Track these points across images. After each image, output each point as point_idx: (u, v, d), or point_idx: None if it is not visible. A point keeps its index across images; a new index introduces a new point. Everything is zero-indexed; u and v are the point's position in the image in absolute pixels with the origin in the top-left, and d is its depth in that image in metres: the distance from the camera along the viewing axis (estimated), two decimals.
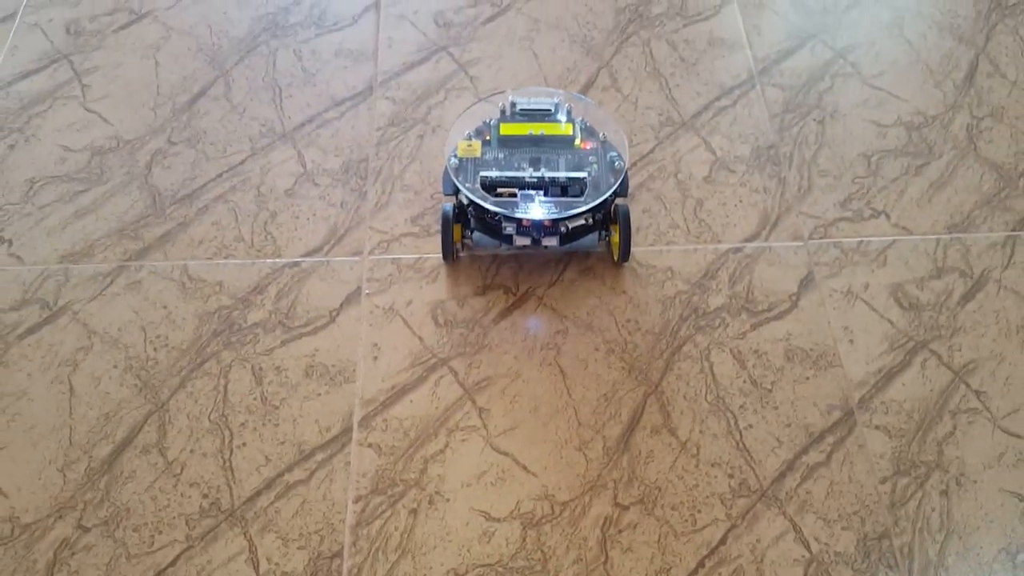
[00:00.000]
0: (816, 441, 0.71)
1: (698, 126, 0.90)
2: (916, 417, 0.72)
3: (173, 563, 0.65)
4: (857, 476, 0.69)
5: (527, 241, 0.76)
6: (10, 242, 0.81)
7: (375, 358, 0.75)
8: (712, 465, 0.69)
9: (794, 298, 0.78)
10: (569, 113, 0.79)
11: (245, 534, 0.67)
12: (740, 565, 0.65)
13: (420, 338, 0.76)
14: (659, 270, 0.80)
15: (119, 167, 0.87)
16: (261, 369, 0.75)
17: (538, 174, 0.75)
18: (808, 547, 0.66)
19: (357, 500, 0.68)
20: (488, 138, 0.78)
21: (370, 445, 0.71)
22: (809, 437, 0.71)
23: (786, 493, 0.68)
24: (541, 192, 0.74)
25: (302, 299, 0.79)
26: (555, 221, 0.74)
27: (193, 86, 0.93)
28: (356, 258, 0.81)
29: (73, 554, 0.65)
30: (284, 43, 0.96)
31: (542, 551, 0.66)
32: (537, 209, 0.73)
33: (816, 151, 0.88)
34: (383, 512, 0.68)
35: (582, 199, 0.73)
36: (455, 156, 0.76)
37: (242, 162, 0.87)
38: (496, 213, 0.74)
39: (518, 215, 0.73)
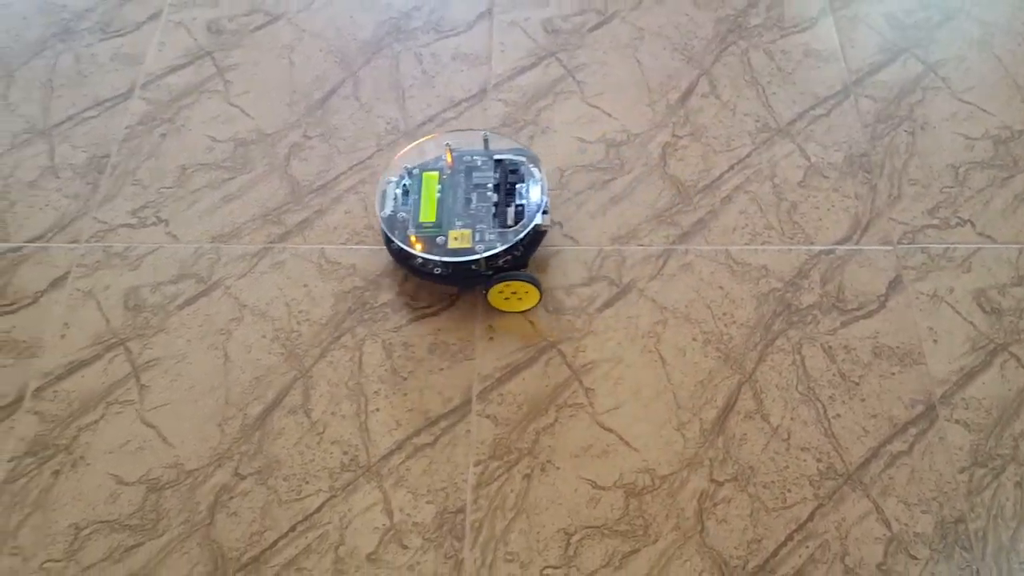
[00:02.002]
0: (900, 432, 0.77)
1: (793, 133, 0.95)
2: (994, 414, 0.77)
3: (319, 509, 0.74)
4: (937, 465, 0.75)
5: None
6: (167, 222, 0.91)
7: (491, 339, 0.83)
8: (802, 449, 0.76)
9: (882, 299, 0.84)
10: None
11: (380, 487, 0.75)
12: (826, 540, 0.72)
13: (531, 322, 0.84)
14: (754, 268, 0.86)
15: (261, 157, 0.96)
16: (391, 344, 0.83)
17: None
18: (889, 527, 0.72)
19: (477, 464, 0.76)
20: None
21: (488, 416, 0.79)
22: (893, 428, 0.77)
23: (870, 477, 0.74)
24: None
25: (426, 284, 0.87)
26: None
27: (324, 85, 1.02)
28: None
29: (231, 498, 0.75)
30: (406, 47, 1.05)
31: (643, 518, 0.73)
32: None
33: (906, 160, 0.93)
34: (500, 475, 0.76)
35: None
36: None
37: (370, 157, 0.96)
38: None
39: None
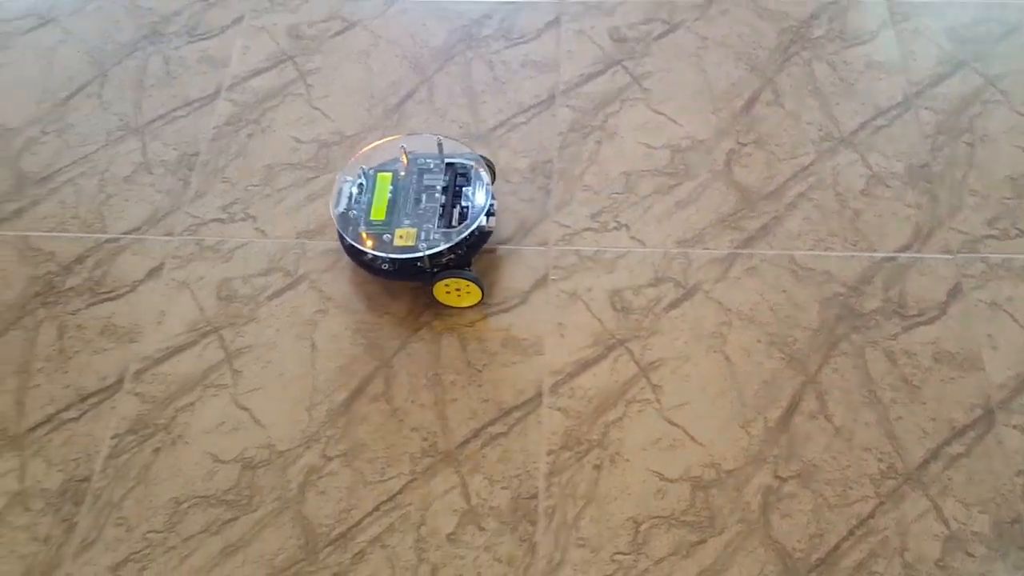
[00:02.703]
0: (958, 435, 0.79)
1: (856, 142, 0.98)
2: None
3: (401, 491, 0.79)
4: (994, 467, 0.78)
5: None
6: (255, 218, 0.97)
7: (561, 335, 0.87)
8: (863, 449, 0.79)
9: (943, 306, 0.87)
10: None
11: (458, 472, 0.80)
12: (886, 536, 0.75)
13: (600, 320, 0.88)
14: (818, 273, 0.89)
15: (341, 160, 1.01)
16: (466, 339, 0.87)
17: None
18: (947, 525, 0.75)
19: (549, 453, 0.81)
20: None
21: (558, 409, 0.83)
22: (952, 431, 0.80)
23: (929, 478, 0.77)
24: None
25: (499, 281, 0.91)
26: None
27: (400, 89, 1.06)
28: (543, 248, 0.93)
29: (320, 478, 0.80)
30: (478, 53, 1.09)
31: (709, 510, 0.77)
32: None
33: (966, 172, 0.96)
34: (571, 465, 0.80)
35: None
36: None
37: None
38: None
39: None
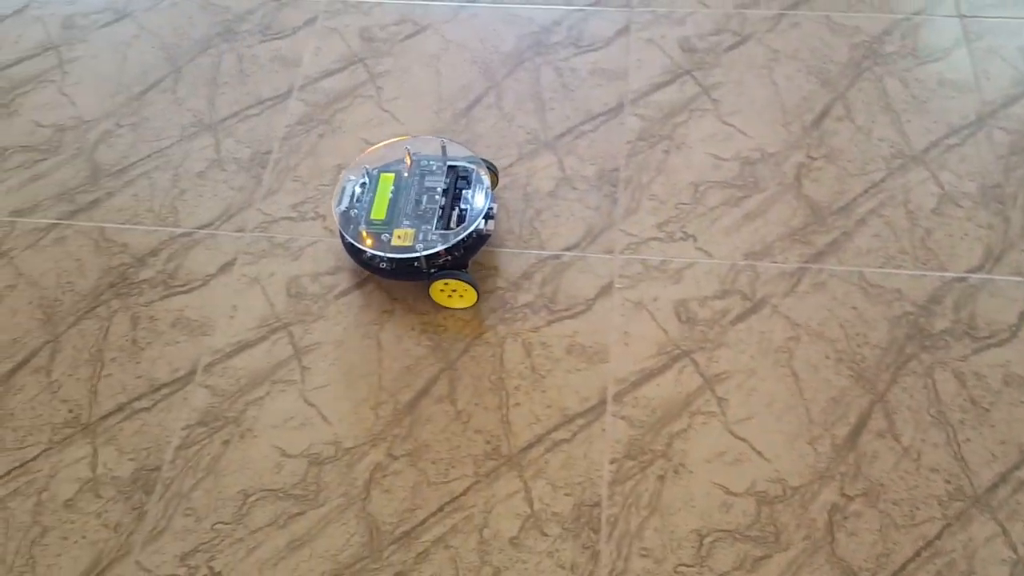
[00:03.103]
0: None
1: (927, 160, 0.97)
2: None
3: (464, 493, 0.80)
4: None
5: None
6: (323, 218, 0.98)
7: (626, 344, 0.87)
8: (931, 470, 0.78)
9: (1014, 328, 0.85)
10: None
11: (521, 477, 0.80)
12: (952, 559, 0.74)
13: (665, 331, 0.88)
14: (887, 291, 0.88)
15: None
16: (530, 344, 0.88)
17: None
18: (1016, 551, 0.74)
19: (612, 462, 0.81)
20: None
21: (622, 417, 0.83)
22: (1022, 455, 0.78)
23: (998, 501, 0.76)
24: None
25: (563, 287, 0.91)
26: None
27: (469, 94, 1.07)
28: (608, 256, 0.93)
29: (385, 476, 0.81)
30: (547, 60, 1.10)
31: (775, 526, 0.77)
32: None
33: None
34: (634, 475, 0.80)
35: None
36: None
37: (510, 165, 1.01)
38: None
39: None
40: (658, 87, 1.06)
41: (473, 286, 0.87)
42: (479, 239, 0.89)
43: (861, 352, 0.85)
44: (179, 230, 0.97)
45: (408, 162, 0.91)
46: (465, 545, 0.77)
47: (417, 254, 0.85)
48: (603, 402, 0.84)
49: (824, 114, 1.02)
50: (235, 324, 0.90)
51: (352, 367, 0.87)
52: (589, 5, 1.15)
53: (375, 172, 0.91)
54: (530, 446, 0.82)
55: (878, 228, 0.93)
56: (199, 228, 0.97)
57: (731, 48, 1.09)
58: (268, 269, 0.94)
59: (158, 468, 0.82)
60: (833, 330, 0.87)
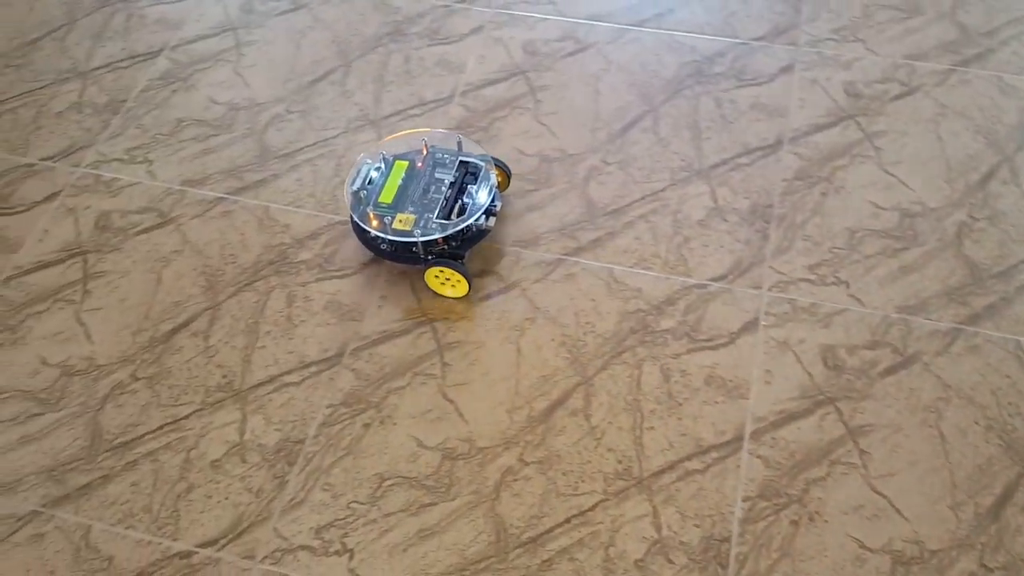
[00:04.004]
0: None
1: None
2: None
3: (592, 508, 0.80)
4: None
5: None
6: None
7: (768, 383, 0.87)
8: None
9: None
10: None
11: (650, 501, 0.80)
12: None
13: (810, 375, 0.87)
14: None
15: (562, 175, 1.04)
16: (669, 369, 0.88)
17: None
18: None
19: (745, 499, 0.80)
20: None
21: (759, 456, 0.82)
22: None
23: None
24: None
25: (707, 317, 0.91)
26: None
27: (626, 115, 1.08)
28: (756, 291, 0.93)
29: (515, 480, 0.82)
30: (707, 90, 1.10)
31: None
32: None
33: None
34: (767, 516, 0.79)
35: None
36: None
37: (663, 189, 1.02)
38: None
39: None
40: (819, 128, 1.05)
41: (467, 278, 0.91)
42: (478, 233, 0.93)
43: (1012, 422, 0.82)
44: (337, 218, 1.01)
45: (424, 152, 0.96)
46: (590, 561, 0.77)
47: (414, 239, 0.89)
48: (740, 438, 0.83)
49: (990, 175, 1.00)
50: (383, 314, 0.93)
51: (491, 369, 0.89)
52: (754, 39, 1.14)
53: (391, 159, 0.95)
54: (662, 471, 0.82)
55: None
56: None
57: (897, 98, 1.07)
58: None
59: (302, 441, 0.85)
60: (984, 396, 0.84)
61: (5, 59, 1.20)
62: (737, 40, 1.15)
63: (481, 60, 1.16)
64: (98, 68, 1.18)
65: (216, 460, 0.84)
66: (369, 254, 0.97)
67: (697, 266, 0.95)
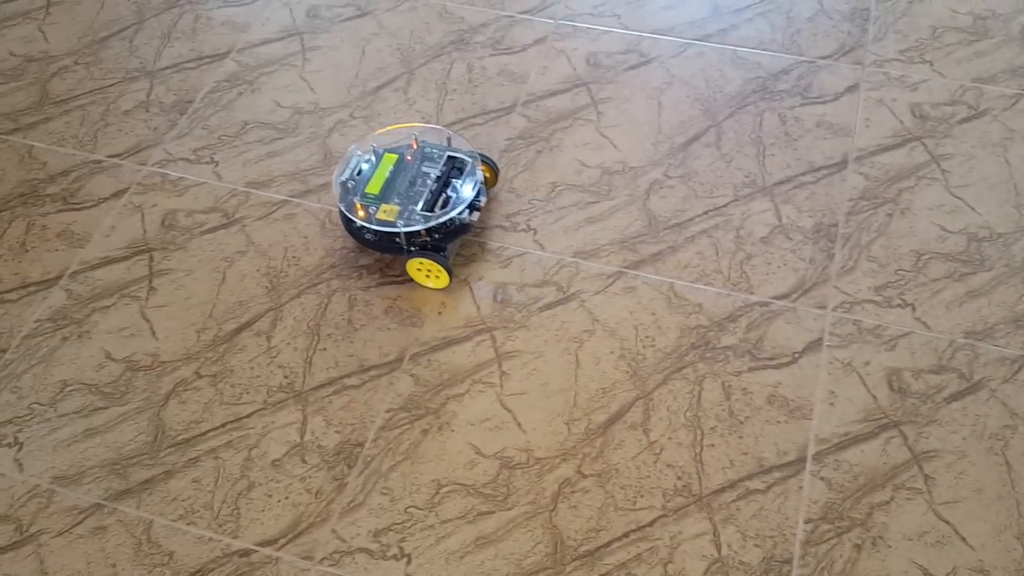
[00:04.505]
0: None
1: None
2: None
3: (650, 524, 0.80)
4: None
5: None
6: (535, 231, 1.01)
7: (831, 404, 0.86)
8: None
9: None
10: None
11: (710, 519, 0.80)
12: None
13: (874, 397, 0.86)
14: None
15: (623, 188, 1.03)
16: (730, 387, 0.87)
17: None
18: None
19: (808, 521, 0.79)
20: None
21: (822, 478, 0.81)
22: None
23: None
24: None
25: (769, 335, 0.91)
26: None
27: (689, 130, 1.08)
28: (820, 311, 0.92)
29: (573, 492, 0.82)
30: (771, 106, 1.09)
31: None
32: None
33: None
34: (829, 538, 0.78)
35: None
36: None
37: (725, 205, 1.01)
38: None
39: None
40: (885, 149, 1.04)
41: (447, 270, 0.92)
42: (461, 227, 0.94)
43: None
44: None
45: (414, 146, 0.98)
46: None
47: (397, 230, 0.91)
48: (802, 459, 0.83)
49: None
50: (443, 320, 0.93)
51: (549, 380, 0.89)
52: (820, 58, 1.14)
53: (381, 151, 0.97)
54: (722, 490, 0.81)
55: None
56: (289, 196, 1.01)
57: (965, 121, 1.06)
58: (478, 273, 0.97)
59: (361, 444, 0.85)
60: None
61: (75, 56, 1.23)
62: (803, 58, 1.14)
63: (543, 71, 1.16)
64: (166, 68, 1.20)
65: (277, 460, 0.85)
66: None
67: (760, 283, 0.94)
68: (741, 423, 0.85)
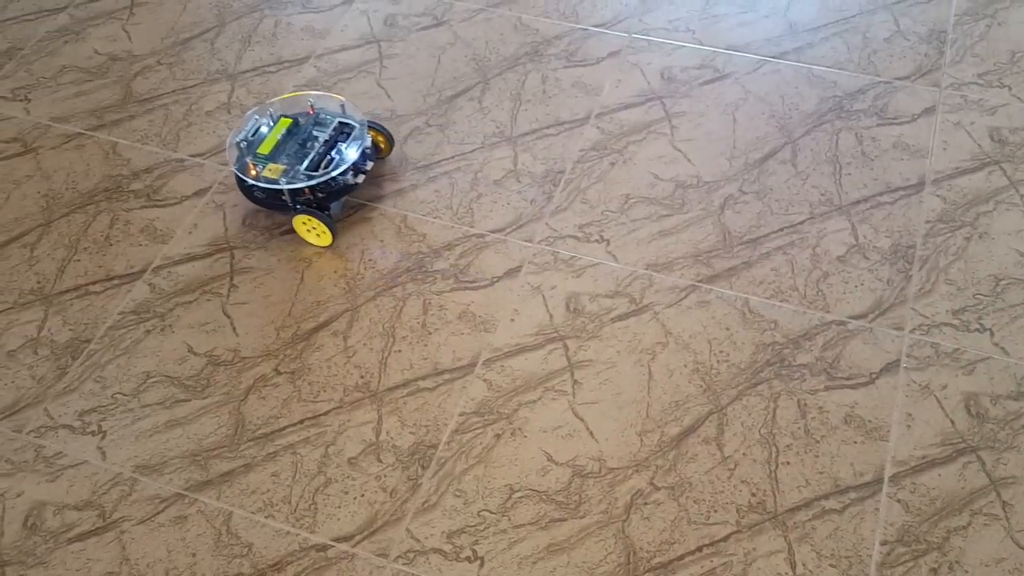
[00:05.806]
0: None
1: None
2: None
3: (724, 539, 0.80)
4: None
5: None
6: (608, 242, 1.01)
7: (908, 426, 0.85)
8: None
9: None
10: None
11: (785, 538, 0.79)
12: None
13: (952, 421, 0.85)
14: None
15: (697, 202, 1.04)
16: (806, 405, 0.87)
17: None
18: None
19: (884, 543, 0.78)
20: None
21: (899, 500, 0.81)
22: None
23: None
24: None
25: (846, 355, 0.90)
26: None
27: (764, 146, 1.08)
28: (897, 332, 0.91)
29: (645, 504, 0.82)
30: (847, 125, 1.09)
31: None
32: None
33: None
34: (905, 561, 0.77)
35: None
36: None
37: (801, 223, 1.01)
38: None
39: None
40: (963, 172, 1.03)
41: (330, 227, 0.98)
42: (344, 188, 1.00)
43: None
44: (473, 230, 1.03)
45: (311, 112, 1.04)
46: None
47: (280, 187, 0.96)
48: (879, 481, 0.82)
49: None
50: (515, 327, 0.94)
51: (622, 390, 0.89)
52: (898, 79, 1.13)
53: (277, 116, 1.03)
54: (797, 508, 0.81)
55: None
56: (491, 232, 1.03)
57: None
58: (551, 281, 0.98)
59: (435, 446, 0.86)
60: None
61: (158, 56, 1.26)
62: (879, 78, 1.13)
63: (617, 84, 1.17)
64: (246, 71, 1.23)
65: (353, 457, 0.86)
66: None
67: (836, 302, 0.94)
68: (817, 442, 0.85)
